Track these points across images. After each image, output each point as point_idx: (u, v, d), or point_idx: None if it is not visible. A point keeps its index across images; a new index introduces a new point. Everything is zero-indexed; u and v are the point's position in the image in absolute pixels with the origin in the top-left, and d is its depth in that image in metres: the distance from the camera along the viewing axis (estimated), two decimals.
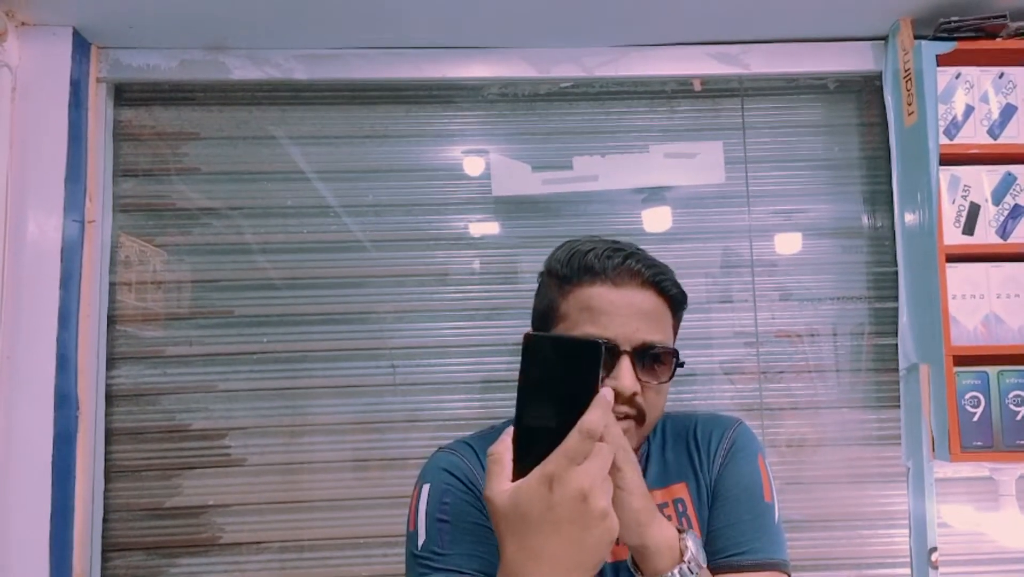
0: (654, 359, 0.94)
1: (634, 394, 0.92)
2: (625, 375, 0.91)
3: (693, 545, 0.84)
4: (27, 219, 1.66)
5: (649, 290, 0.96)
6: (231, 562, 1.73)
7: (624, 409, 0.92)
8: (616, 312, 0.93)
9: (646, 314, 0.95)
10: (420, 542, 0.97)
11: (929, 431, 1.63)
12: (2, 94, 1.64)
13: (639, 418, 0.95)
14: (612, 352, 0.92)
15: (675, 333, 1.03)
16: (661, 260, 1.03)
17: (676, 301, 1.01)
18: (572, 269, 0.98)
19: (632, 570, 0.86)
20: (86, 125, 1.73)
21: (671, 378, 0.96)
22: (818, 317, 1.84)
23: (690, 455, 1.08)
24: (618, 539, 0.72)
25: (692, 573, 0.83)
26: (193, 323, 1.80)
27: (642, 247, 1.02)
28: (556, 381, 0.69)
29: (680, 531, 0.85)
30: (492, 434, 1.08)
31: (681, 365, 0.97)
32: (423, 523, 0.97)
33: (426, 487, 1.01)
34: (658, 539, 0.82)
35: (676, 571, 0.82)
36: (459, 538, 0.95)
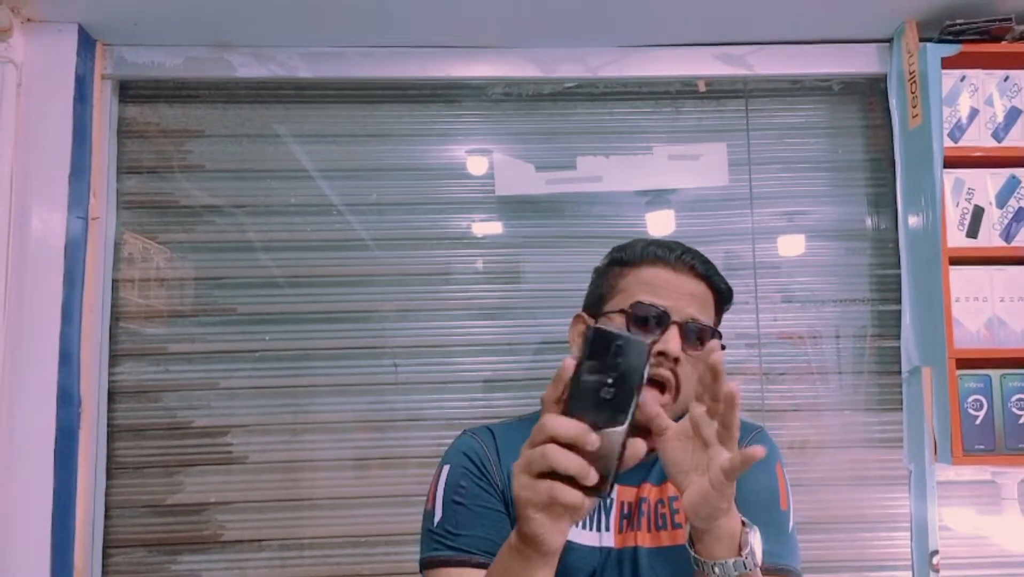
0: (699, 335, 1.05)
1: (676, 360, 1.02)
2: (672, 339, 1.02)
3: (754, 540, 0.87)
4: (31, 215, 1.66)
5: (702, 281, 1.09)
6: (232, 559, 1.73)
7: (666, 373, 1.02)
8: (672, 289, 1.06)
9: (697, 298, 1.07)
10: (436, 520, 1.03)
11: (931, 434, 1.63)
12: (7, 90, 1.64)
13: (675, 390, 1.03)
14: (664, 321, 1.04)
15: (718, 325, 1.13)
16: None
17: (723, 296, 1.12)
18: (636, 253, 1.11)
19: (688, 547, 0.88)
20: (90, 122, 1.73)
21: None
22: (820, 319, 1.84)
23: None
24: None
25: (747, 568, 0.84)
26: (196, 320, 1.80)
27: None
28: (605, 371, 0.73)
29: (744, 524, 0.87)
30: (518, 423, 1.13)
31: (723, 348, 1.02)
32: (440, 503, 1.04)
33: (446, 468, 1.08)
34: (723, 527, 0.85)
35: (732, 561, 0.84)
36: (472, 521, 1.01)
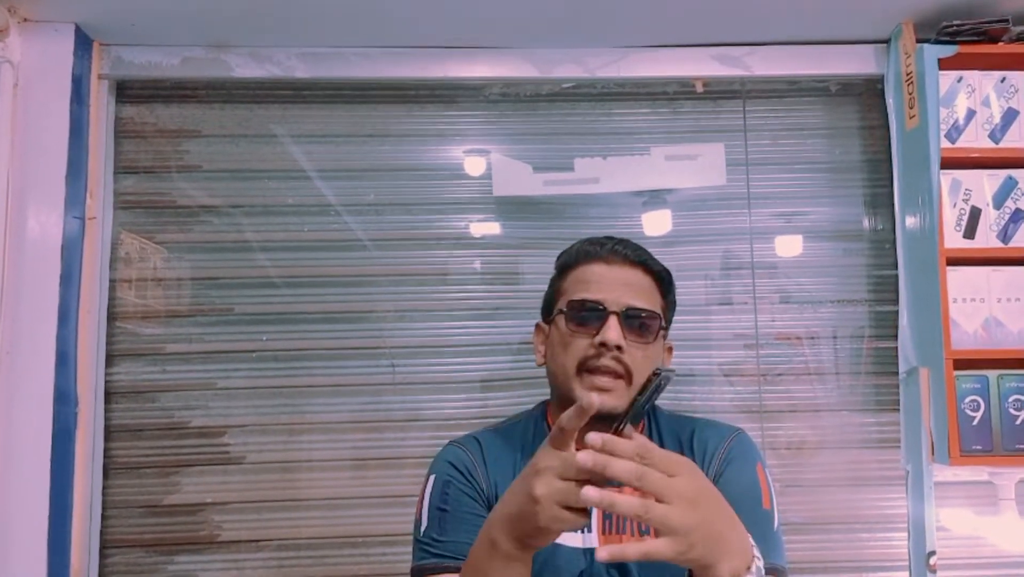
0: (639, 321, 1.08)
1: (619, 348, 1.06)
2: (611, 329, 1.06)
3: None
4: (28, 215, 1.66)
5: (637, 268, 1.12)
6: (229, 560, 1.73)
7: (611, 364, 1.06)
8: (606, 282, 1.10)
9: (633, 286, 1.11)
10: (422, 529, 1.07)
11: (928, 435, 1.63)
12: (4, 90, 1.64)
13: (627, 376, 1.06)
14: (601, 314, 1.08)
15: (667, 309, 1.17)
16: (661, 261, 1.18)
17: (661, 278, 1.15)
18: (572, 255, 1.17)
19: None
20: (87, 122, 1.73)
21: (655, 340, 1.10)
22: (818, 320, 1.84)
23: (684, 455, 1.09)
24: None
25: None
26: (193, 321, 1.80)
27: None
28: None
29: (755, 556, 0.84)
30: (507, 428, 1.19)
31: (664, 329, 1.12)
32: (426, 512, 1.08)
33: (432, 478, 1.12)
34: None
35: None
36: (456, 527, 1.05)
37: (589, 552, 1.05)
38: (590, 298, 1.09)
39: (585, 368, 1.08)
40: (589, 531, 1.07)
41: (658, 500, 0.74)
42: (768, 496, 1.06)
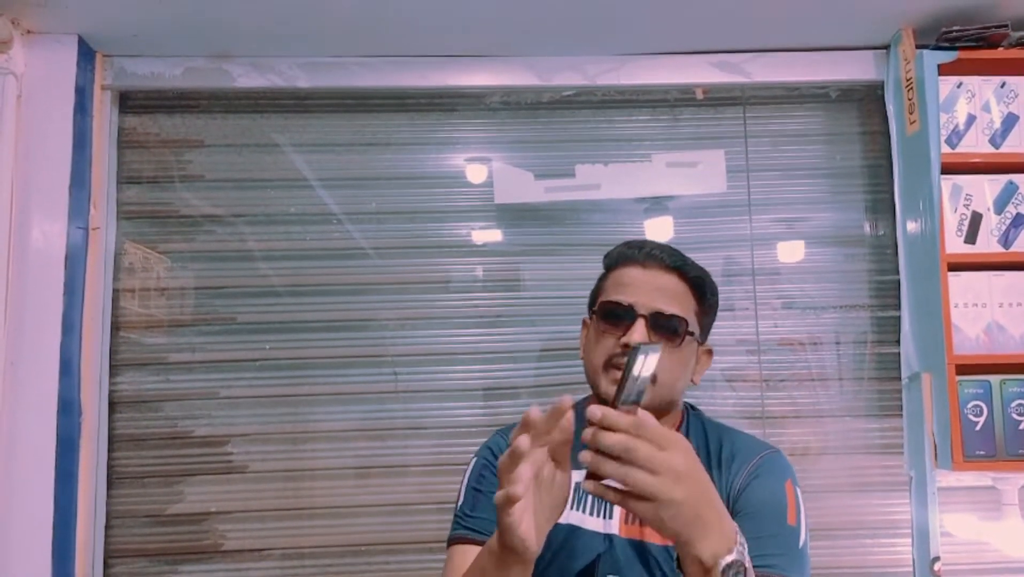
0: (666, 324, 1.12)
1: None
2: (636, 331, 1.10)
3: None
4: (31, 226, 1.67)
5: (672, 273, 1.16)
6: (233, 569, 1.73)
7: None
8: (640, 286, 1.14)
9: (665, 290, 1.14)
10: (459, 505, 1.18)
11: (931, 440, 1.63)
12: (7, 101, 1.65)
13: (652, 377, 1.04)
14: (630, 315, 1.12)
15: (704, 314, 1.20)
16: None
17: (696, 283, 1.17)
18: (613, 257, 1.22)
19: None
20: (91, 132, 1.74)
21: (682, 343, 1.13)
22: (820, 325, 1.84)
23: (708, 463, 1.12)
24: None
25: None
26: (196, 330, 1.80)
27: None
28: None
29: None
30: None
31: (691, 334, 1.14)
32: (464, 490, 1.19)
33: (474, 461, 1.23)
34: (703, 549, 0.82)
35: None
36: (486, 506, 1.14)
37: (608, 537, 1.10)
38: (622, 301, 1.14)
39: (611, 364, 1.13)
40: (610, 517, 1.12)
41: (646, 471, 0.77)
42: (795, 513, 1.07)
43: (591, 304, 1.25)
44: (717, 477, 1.11)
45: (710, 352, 1.25)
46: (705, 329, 1.22)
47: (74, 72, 1.71)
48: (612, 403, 0.80)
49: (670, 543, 1.00)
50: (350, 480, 1.77)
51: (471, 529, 1.13)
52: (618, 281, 1.18)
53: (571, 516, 1.12)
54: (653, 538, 1.08)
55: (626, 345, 1.10)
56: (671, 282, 1.15)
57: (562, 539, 1.10)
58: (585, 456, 0.78)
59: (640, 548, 1.09)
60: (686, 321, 1.14)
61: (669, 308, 1.13)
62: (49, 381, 1.63)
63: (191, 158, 1.86)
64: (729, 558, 0.80)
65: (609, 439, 0.77)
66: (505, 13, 1.66)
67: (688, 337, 1.14)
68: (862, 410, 1.81)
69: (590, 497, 1.13)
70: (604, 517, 1.12)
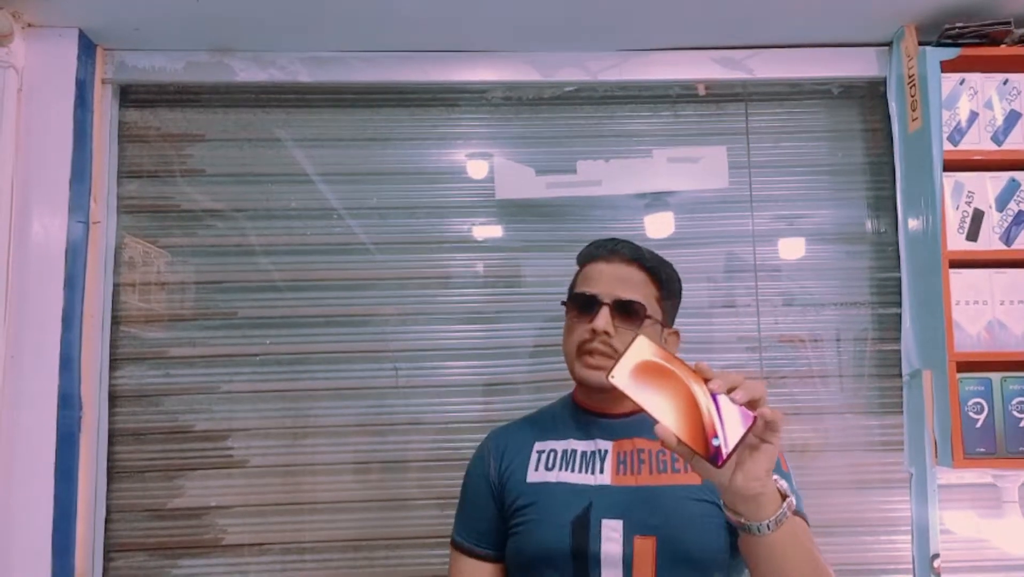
0: (627, 311, 1.23)
1: (607, 333, 1.21)
2: (600, 317, 1.22)
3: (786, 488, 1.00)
4: (32, 220, 1.66)
5: (632, 265, 1.27)
6: (233, 564, 1.73)
7: (601, 346, 1.22)
8: (603, 278, 1.26)
9: (626, 280, 1.26)
10: (458, 505, 1.34)
11: (932, 437, 1.63)
12: (8, 95, 1.65)
13: (616, 356, 1.17)
14: (594, 304, 1.24)
15: (663, 299, 1.29)
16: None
17: (653, 272, 1.28)
18: (582, 255, 1.34)
19: (735, 522, 0.98)
20: (91, 126, 1.73)
21: (642, 325, 1.23)
22: (821, 322, 1.84)
23: None
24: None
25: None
26: (196, 324, 1.80)
27: None
28: None
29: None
30: (539, 412, 1.39)
31: (651, 317, 1.25)
32: (460, 493, 1.34)
33: (468, 466, 1.35)
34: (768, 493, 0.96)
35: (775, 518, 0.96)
36: (463, 508, 1.32)
37: (600, 488, 1.19)
38: (587, 291, 1.26)
39: (583, 350, 1.24)
40: (601, 472, 1.21)
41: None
42: (784, 462, 1.21)
43: (568, 299, 1.34)
44: None
45: (677, 333, 1.35)
46: (668, 312, 1.32)
47: (75, 66, 1.71)
48: (607, 375, 0.95)
49: (663, 483, 1.18)
50: (350, 475, 1.77)
51: (462, 537, 1.29)
52: (586, 276, 1.29)
53: (561, 475, 1.22)
54: (647, 482, 1.18)
55: (593, 331, 1.21)
56: (631, 273, 1.26)
57: (551, 491, 1.21)
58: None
59: (634, 492, 1.18)
60: (645, 306, 1.24)
61: (628, 295, 1.24)
62: (49, 375, 1.63)
63: (192, 152, 1.85)
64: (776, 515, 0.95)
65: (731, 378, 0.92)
66: (507, 9, 1.66)
67: (648, 320, 1.24)
68: (863, 407, 1.81)
69: (577, 458, 1.23)
70: (593, 473, 1.21)
